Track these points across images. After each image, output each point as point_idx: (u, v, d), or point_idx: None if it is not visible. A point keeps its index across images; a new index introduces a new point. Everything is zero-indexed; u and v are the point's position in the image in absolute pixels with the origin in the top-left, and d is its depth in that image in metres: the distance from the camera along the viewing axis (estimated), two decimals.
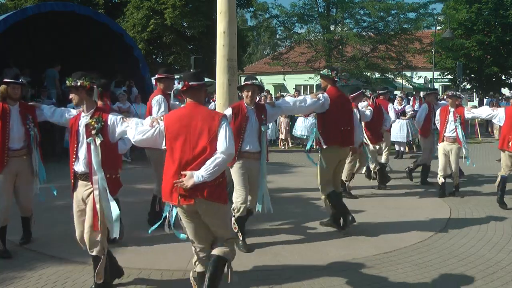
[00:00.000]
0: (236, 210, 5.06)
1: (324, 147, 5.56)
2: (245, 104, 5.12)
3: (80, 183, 3.98)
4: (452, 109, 7.64)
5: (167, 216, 3.62)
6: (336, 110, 5.57)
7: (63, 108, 5.16)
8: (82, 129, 3.93)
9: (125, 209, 6.55)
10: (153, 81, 9.88)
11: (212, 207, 3.47)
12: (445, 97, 9.06)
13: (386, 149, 9.36)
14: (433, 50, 22.48)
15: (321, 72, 6.02)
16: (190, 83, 3.60)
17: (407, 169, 9.08)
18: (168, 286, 4.29)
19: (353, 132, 5.95)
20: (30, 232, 5.39)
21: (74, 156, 3.97)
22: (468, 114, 7.62)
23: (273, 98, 11.80)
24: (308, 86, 32.18)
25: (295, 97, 10.45)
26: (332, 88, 5.71)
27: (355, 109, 7.04)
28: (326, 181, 5.74)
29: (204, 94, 3.76)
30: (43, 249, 5.12)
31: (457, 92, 8.04)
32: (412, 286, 4.28)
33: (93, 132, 3.86)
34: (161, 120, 3.62)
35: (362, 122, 7.79)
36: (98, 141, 3.85)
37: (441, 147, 7.78)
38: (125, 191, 6.78)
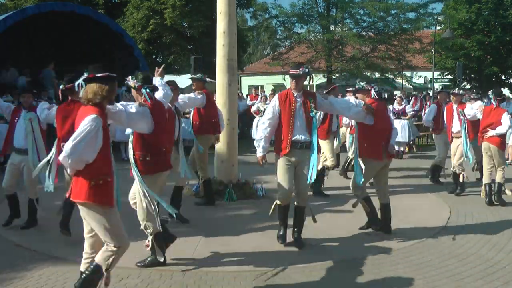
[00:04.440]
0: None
1: None
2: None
3: None
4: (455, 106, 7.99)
5: None
6: None
7: None
8: None
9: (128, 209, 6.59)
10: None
11: None
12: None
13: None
14: (433, 50, 22.45)
15: None
16: None
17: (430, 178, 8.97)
18: (168, 286, 4.29)
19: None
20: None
21: None
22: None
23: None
24: (308, 87, 32.07)
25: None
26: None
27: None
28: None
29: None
30: (43, 249, 5.11)
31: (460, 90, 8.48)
32: (412, 286, 4.28)
33: None
34: None
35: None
36: None
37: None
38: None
